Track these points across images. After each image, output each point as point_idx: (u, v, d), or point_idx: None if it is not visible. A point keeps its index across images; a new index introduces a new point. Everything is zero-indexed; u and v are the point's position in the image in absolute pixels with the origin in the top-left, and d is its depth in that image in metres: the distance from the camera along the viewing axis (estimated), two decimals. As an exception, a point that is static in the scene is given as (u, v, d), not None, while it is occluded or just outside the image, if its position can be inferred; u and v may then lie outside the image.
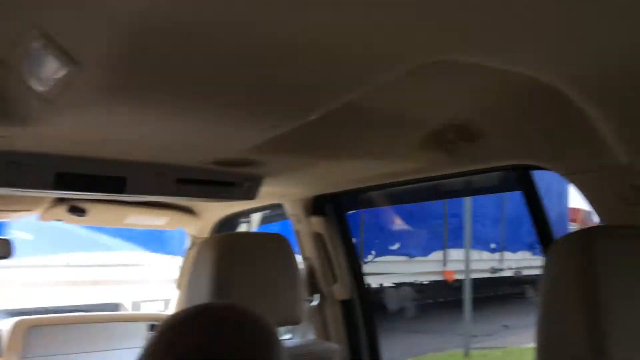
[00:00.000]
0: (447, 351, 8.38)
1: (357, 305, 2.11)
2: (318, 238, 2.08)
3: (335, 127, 1.22)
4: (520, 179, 1.43)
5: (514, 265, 10.94)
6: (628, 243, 0.86)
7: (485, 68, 0.87)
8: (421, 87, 1.10)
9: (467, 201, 9.03)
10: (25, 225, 5.92)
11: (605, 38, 0.76)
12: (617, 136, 1.01)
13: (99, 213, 2.26)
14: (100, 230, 6.43)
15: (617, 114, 0.97)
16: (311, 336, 2.27)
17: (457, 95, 1.16)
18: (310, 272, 2.15)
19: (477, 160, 1.38)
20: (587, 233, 0.86)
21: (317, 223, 2.06)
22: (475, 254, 10.00)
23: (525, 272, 10.73)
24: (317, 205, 2.07)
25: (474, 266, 9.77)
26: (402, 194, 1.93)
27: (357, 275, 2.11)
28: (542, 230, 1.44)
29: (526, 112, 1.17)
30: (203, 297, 1.37)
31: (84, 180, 1.45)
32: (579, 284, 0.82)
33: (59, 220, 2.30)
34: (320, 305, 2.17)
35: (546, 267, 0.89)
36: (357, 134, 1.33)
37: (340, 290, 2.08)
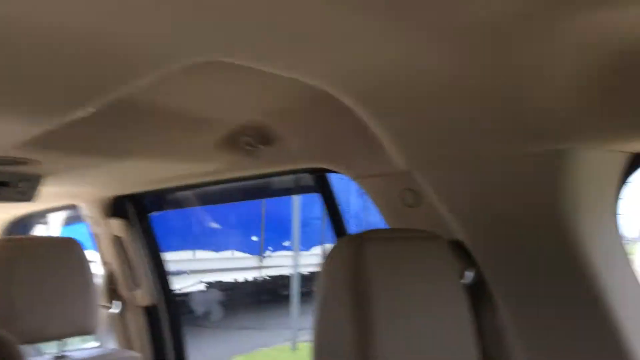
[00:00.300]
0: (276, 346, 8.50)
1: (163, 311, 2.02)
2: (118, 241, 1.95)
3: (118, 126, 1.14)
4: (317, 182, 1.46)
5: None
6: (395, 246, 0.90)
7: (273, 73, 0.87)
8: (211, 88, 1.06)
9: (296, 200, 9.26)
10: None
11: (371, 48, 0.78)
12: (393, 144, 1.06)
13: None
14: None
15: (391, 123, 1.01)
16: (112, 345, 2.13)
17: (250, 97, 1.14)
18: (110, 277, 2.01)
19: (275, 162, 1.38)
20: (358, 237, 0.89)
21: (116, 225, 1.92)
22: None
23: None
24: (117, 207, 1.93)
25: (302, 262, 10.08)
26: (209, 195, 1.88)
27: (163, 279, 2.02)
28: (339, 232, 1.49)
29: (316, 117, 1.20)
30: None
31: None
32: (348, 288, 0.84)
33: None
34: (121, 312, 2.04)
35: (321, 271, 0.90)
36: (145, 134, 1.25)
37: (143, 296, 1.97)
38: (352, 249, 0.86)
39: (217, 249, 10.00)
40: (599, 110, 0.86)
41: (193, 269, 9.86)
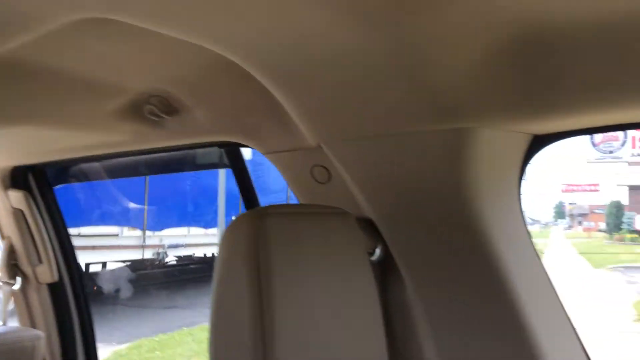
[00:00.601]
0: (200, 325, 8.43)
1: (68, 288, 1.92)
2: (19, 214, 1.83)
3: (6, 89, 1.04)
4: (229, 156, 1.41)
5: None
6: (297, 221, 0.87)
7: (176, 38, 0.81)
8: (108, 51, 0.99)
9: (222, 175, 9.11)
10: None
11: (276, 20, 0.75)
12: (302, 119, 1.03)
13: None
14: None
15: (299, 98, 0.98)
16: (14, 323, 2.01)
17: (152, 63, 1.08)
18: (11, 252, 1.88)
19: (183, 134, 1.32)
20: (258, 211, 0.85)
21: (16, 198, 1.80)
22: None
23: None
24: (16, 178, 1.80)
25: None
26: (118, 168, 1.79)
27: (68, 255, 1.92)
28: (251, 207, 1.45)
29: (225, 88, 1.14)
30: None
31: None
32: (247, 263, 0.80)
33: None
34: (23, 289, 1.92)
35: (220, 245, 0.86)
36: (34, 98, 1.16)
37: (46, 272, 1.86)
38: (251, 224, 0.83)
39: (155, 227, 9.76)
40: (502, 90, 0.86)
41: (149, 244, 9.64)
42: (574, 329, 1.09)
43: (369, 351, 0.92)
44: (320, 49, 0.85)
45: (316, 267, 0.87)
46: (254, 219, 0.83)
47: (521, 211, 1.09)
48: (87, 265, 8.93)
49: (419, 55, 0.83)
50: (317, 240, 0.90)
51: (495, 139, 0.96)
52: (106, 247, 9.48)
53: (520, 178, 1.07)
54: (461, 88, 0.86)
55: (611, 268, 14.58)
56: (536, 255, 1.09)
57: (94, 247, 9.08)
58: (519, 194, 1.08)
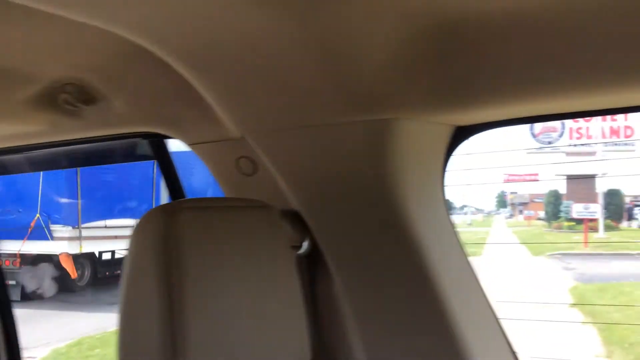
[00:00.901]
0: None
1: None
2: None
3: None
4: (153, 147, 1.36)
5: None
6: (214, 215, 0.84)
7: (85, 23, 0.76)
8: (17, 36, 0.93)
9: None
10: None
11: (190, 5, 0.72)
12: (224, 110, 1.00)
13: None
14: None
15: (220, 88, 0.95)
16: None
17: (65, 50, 1.02)
18: None
19: (102, 125, 1.26)
20: (170, 206, 0.82)
21: None
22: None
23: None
24: None
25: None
26: (37, 160, 1.70)
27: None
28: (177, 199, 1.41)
29: (144, 77, 1.10)
30: None
31: None
32: (157, 260, 0.76)
33: None
34: None
35: (130, 241, 0.82)
36: None
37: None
38: (162, 219, 0.79)
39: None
40: (420, 81, 0.85)
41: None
42: (498, 320, 1.10)
43: (290, 347, 0.90)
44: (234, 37, 0.82)
45: (233, 263, 0.84)
46: (165, 214, 0.79)
47: (445, 202, 1.09)
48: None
49: (332, 46, 0.81)
50: (235, 235, 0.87)
51: (417, 130, 0.96)
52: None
53: (444, 169, 1.07)
54: (379, 79, 0.85)
55: (549, 255, 15.16)
56: (461, 247, 1.10)
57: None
58: (443, 185, 1.08)
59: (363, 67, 0.84)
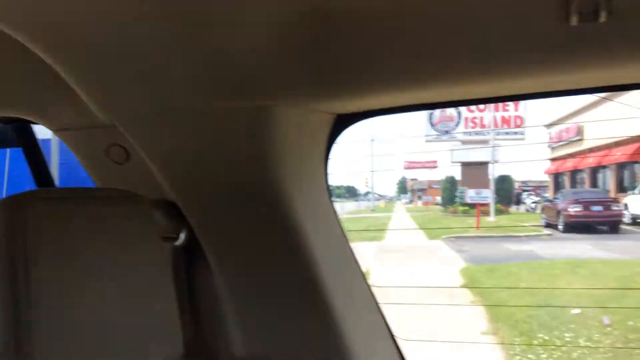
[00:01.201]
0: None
1: None
2: None
3: None
4: (17, 133, 1.24)
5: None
6: (68, 207, 0.77)
7: None
8: None
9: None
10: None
11: None
12: (90, 96, 0.92)
13: None
14: None
15: (83, 74, 0.88)
16: None
17: None
18: None
19: None
20: (17, 198, 0.74)
21: None
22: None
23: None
24: None
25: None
26: None
27: None
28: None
29: (5, 59, 0.99)
30: None
31: None
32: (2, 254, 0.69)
33: None
34: None
35: None
36: None
37: None
38: (7, 210, 0.72)
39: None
40: (295, 68, 0.82)
41: None
42: (378, 305, 1.11)
43: (162, 342, 0.85)
44: (105, 25, 0.76)
45: (94, 255, 0.78)
46: (12, 205, 0.72)
47: (328, 190, 1.08)
48: None
49: (202, 29, 0.76)
50: (98, 227, 0.81)
51: (296, 118, 0.93)
52: None
53: (327, 157, 1.06)
54: (252, 65, 0.81)
55: (444, 238, 15.94)
56: (343, 235, 1.09)
57: None
58: (326, 173, 1.07)
59: (235, 53, 0.80)
